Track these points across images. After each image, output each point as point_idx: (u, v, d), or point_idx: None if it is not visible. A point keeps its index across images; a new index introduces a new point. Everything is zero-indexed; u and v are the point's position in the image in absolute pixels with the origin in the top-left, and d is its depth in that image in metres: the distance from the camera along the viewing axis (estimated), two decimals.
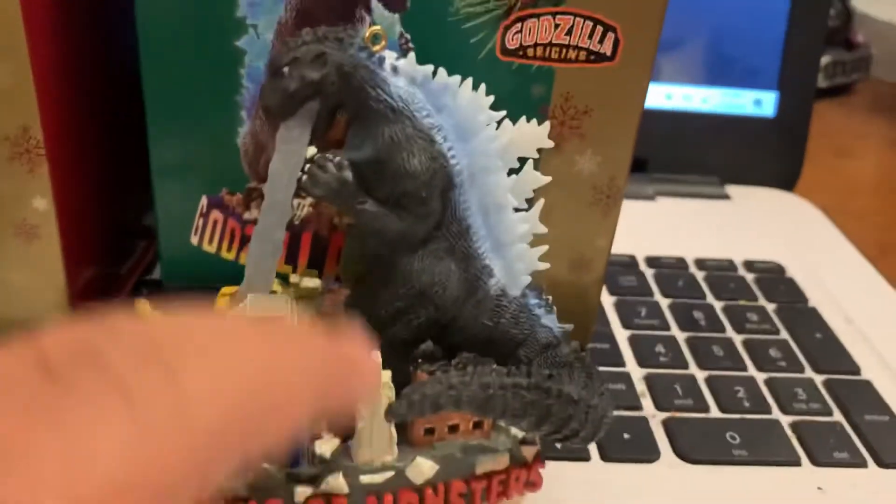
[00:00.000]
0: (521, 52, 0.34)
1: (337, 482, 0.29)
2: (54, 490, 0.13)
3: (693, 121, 0.61)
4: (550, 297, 0.32)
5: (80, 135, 0.36)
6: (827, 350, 0.45)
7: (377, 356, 0.27)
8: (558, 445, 0.36)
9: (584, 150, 0.37)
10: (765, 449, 0.38)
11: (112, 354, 0.15)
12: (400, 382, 0.29)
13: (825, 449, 0.38)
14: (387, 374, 0.28)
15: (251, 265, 0.30)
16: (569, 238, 0.39)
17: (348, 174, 0.27)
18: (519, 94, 0.35)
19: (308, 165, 0.28)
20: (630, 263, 0.52)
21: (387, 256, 0.30)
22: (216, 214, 0.38)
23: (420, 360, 0.30)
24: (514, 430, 0.31)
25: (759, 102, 0.62)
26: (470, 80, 0.29)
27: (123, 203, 0.44)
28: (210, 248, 0.38)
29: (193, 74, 0.34)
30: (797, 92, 0.62)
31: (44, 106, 0.32)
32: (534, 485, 0.32)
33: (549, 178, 0.31)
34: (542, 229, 0.32)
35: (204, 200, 0.37)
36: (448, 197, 0.29)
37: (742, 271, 0.52)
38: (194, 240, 0.38)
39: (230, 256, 0.38)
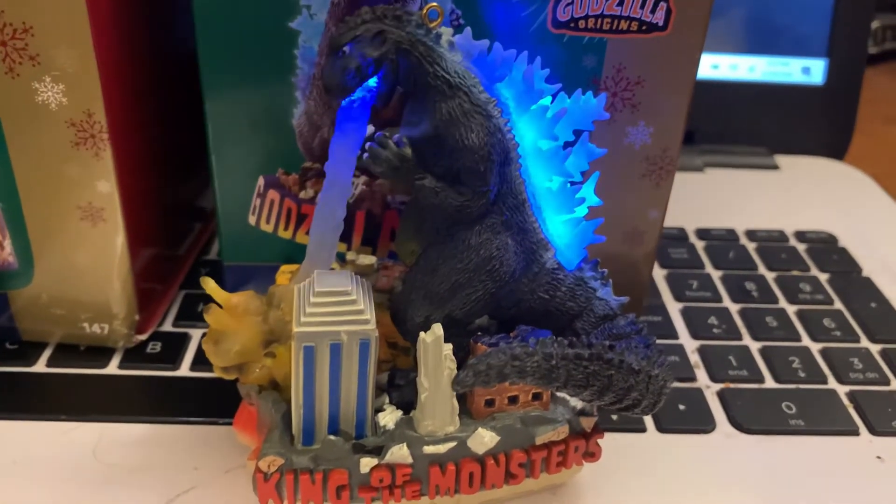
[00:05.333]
0: (572, 24, 0.34)
1: (401, 452, 0.29)
2: None
3: (740, 90, 0.60)
4: (606, 270, 0.32)
5: (141, 119, 0.37)
6: (882, 319, 0.45)
7: (439, 329, 0.28)
8: (614, 417, 0.37)
9: (637, 121, 0.37)
10: (822, 418, 0.38)
11: None
12: (459, 356, 0.29)
13: (884, 418, 0.38)
14: (448, 347, 0.28)
15: (314, 242, 0.30)
16: (621, 210, 0.39)
17: (408, 151, 0.28)
18: (570, 66, 0.35)
19: (368, 143, 0.28)
20: (680, 236, 0.51)
21: (444, 232, 0.30)
22: (273, 194, 0.38)
23: (479, 333, 0.30)
24: (573, 402, 0.32)
25: (807, 70, 0.61)
26: (526, 54, 0.29)
27: (180, 185, 0.45)
28: (267, 228, 0.39)
29: (248, 55, 0.35)
30: (847, 58, 0.61)
31: (107, 91, 0.33)
32: (593, 455, 0.32)
33: (604, 151, 0.31)
34: (598, 202, 0.32)
35: (261, 181, 0.38)
36: (504, 171, 0.29)
37: (794, 242, 0.52)
38: (252, 220, 0.39)
39: (287, 235, 0.39)
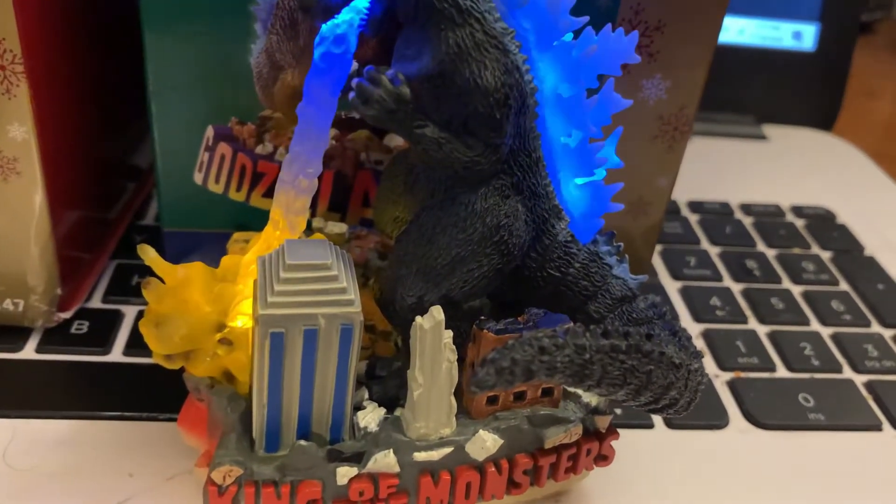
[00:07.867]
0: None
1: (386, 460, 0.24)
2: None
3: (728, 55, 0.56)
4: (622, 244, 0.28)
5: (67, 51, 0.31)
6: (892, 302, 0.41)
7: (439, 313, 0.23)
8: (618, 411, 0.32)
9: (653, 73, 0.32)
10: (841, 412, 0.34)
11: None
12: (458, 344, 0.24)
13: None
14: (448, 335, 0.23)
15: (279, 205, 0.25)
16: (626, 177, 0.34)
17: (406, 90, 0.22)
18: (582, 4, 0.30)
19: (355, 80, 0.22)
20: (672, 209, 0.47)
21: (442, 194, 0.25)
22: (224, 148, 0.33)
23: (482, 318, 0.25)
24: (586, 398, 0.27)
25: (798, 35, 0.58)
26: None
27: (113, 135, 0.39)
28: (217, 188, 0.33)
29: None
30: (840, 24, 0.57)
31: (21, 11, 0.27)
32: (605, 458, 0.28)
33: (630, 102, 0.26)
34: (619, 163, 0.27)
35: (210, 131, 0.32)
36: (519, 121, 0.24)
37: (791, 217, 0.48)
38: (198, 178, 0.33)
39: (240, 197, 0.34)
